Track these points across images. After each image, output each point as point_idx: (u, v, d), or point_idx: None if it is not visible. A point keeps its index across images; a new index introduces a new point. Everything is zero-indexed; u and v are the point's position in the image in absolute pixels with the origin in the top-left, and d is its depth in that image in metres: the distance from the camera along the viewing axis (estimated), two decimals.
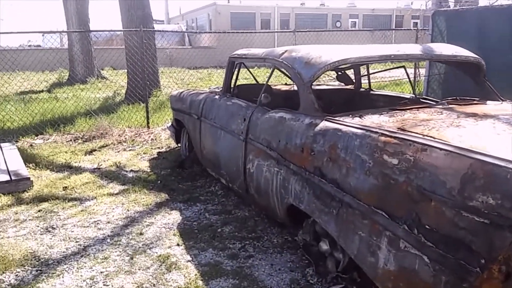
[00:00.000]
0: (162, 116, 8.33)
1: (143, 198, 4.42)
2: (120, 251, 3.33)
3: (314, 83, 3.23)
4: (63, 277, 3.00)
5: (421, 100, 3.86)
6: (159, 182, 4.92)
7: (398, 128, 2.36)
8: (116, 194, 4.58)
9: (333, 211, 2.52)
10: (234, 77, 4.43)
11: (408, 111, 2.85)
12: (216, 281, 2.91)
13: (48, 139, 7.07)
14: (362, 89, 5.01)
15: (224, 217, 3.91)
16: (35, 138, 7.13)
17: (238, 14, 27.56)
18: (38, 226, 3.83)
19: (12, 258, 3.25)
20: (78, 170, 5.42)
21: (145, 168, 5.51)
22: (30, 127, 7.39)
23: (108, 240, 3.53)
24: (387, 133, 2.31)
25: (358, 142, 2.41)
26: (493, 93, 3.47)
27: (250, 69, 5.33)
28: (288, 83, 5.51)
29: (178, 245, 3.41)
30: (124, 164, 5.64)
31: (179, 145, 5.95)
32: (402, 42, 4.79)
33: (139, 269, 3.07)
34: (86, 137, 7.03)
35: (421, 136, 2.17)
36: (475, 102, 3.17)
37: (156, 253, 3.29)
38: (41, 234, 3.67)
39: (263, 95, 3.64)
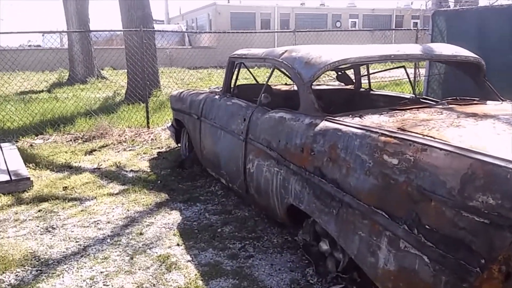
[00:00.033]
0: (162, 116, 8.33)
1: (143, 198, 4.42)
2: (120, 251, 3.33)
3: (313, 83, 3.23)
4: (63, 277, 3.00)
5: (421, 100, 3.86)
6: (159, 182, 4.92)
7: (398, 128, 2.36)
8: (116, 194, 4.58)
9: (333, 211, 2.52)
10: (234, 77, 4.43)
11: (408, 111, 2.85)
12: (216, 281, 2.91)
13: (48, 139, 7.07)
14: (362, 89, 5.01)
15: (224, 217, 3.91)
16: (35, 138, 7.13)
17: (238, 14, 27.56)
18: (38, 226, 3.83)
19: (12, 258, 3.25)
20: (78, 170, 5.42)
21: (145, 168, 5.51)
22: (30, 127, 7.39)
23: (108, 240, 3.53)
24: (387, 133, 2.31)
25: (358, 142, 2.41)
26: (493, 93, 3.47)
27: (250, 69, 5.33)
28: (288, 83, 5.51)
29: (178, 245, 3.41)
30: (124, 164, 5.64)
31: (179, 145, 5.95)
32: (402, 42, 4.80)
33: (139, 269, 3.07)
34: (86, 137, 7.03)
35: (421, 136, 2.17)
36: (475, 102, 3.17)
37: (156, 253, 3.29)
38: (41, 234, 3.67)
39: (263, 95, 3.64)
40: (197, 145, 4.87)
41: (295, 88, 3.38)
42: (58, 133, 7.34)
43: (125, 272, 3.04)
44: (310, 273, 2.94)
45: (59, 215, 4.06)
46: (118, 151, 6.35)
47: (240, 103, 3.96)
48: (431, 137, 2.13)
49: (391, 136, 2.26)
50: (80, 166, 5.61)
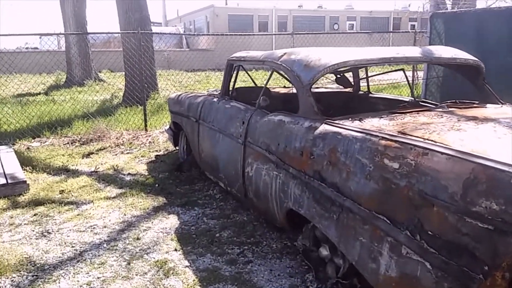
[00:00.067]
0: (160, 119, 8.29)
1: (141, 202, 4.38)
2: (117, 256, 3.29)
3: (312, 86, 3.20)
4: (59, 282, 2.95)
5: (420, 103, 3.84)
6: (156, 185, 4.88)
7: (399, 132, 2.33)
8: (113, 197, 4.54)
9: (333, 216, 2.48)
10: (233, 80, 4.40)
11: (408, 114, 2.82)
12: (215, 287, 2.87)
13: (45, 142, 7.02)
14: (360, 92, 4.98)
15: (222, 222, 3.87)
16: (32, 141, 7.08)
17: (236, 16, 27.57)
18: (33, 231, 3.78)
19: (7, 263, 3.20)
20: (75, 173, 5.38)
21: (143, 171, 5.47)
22: (27, 130, 7.34)
23: (105, 245, 3.49)
24: (387, 136, 2.27)
25: (358, 146, 2.38)
26: (493, 96, 3.44)
27: (248, 72, 5.29)
28: (286, 85, 5.48)
29: (175, 250, 3.37)
30: (122, 167, 5.60)
31: (177, 148, 5.91)
32: (399, 45, 4.78)
33: (136, 275, 3.03)
34: (83, 140, 6.99)
35: (422, 140, 2.14)
36: (475, 105, 3.15)
37: (154, 258, 3.25)
38: (36, 239, 3.63)
39: (261, 98, 3.61)
40: (195, 148, 4.83)
41: (294, 91, 3.35)
42: (55, 136, 7.29)
43: (122, 277, 3.00)
44: (310, 279, 2.91)
45: (55, 219, 4.01)
46: (116, 154, 6.31)
47: (239, 106, 3.93)
48: (432, 141, 2.11)
49: (391, 140, 2.23)
50: (77, 169, 5.57)
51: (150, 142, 6.94)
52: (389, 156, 2.16)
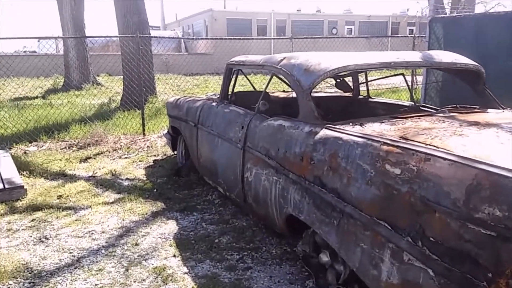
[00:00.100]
0: (158, 123, 8.27)
1: (139, 207, 4.34)
2: (115, 263, 3.25)
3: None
4: None
5: (421, 108, 3.83)
6: (155, 190, 4.85)
7: (400, 137, 2.31)
8: (111, 203, 4.51)
9: (334, 221, 2.46)
10: (232, 84, 4.38)
11: (409, 119, 2.80)
12: None
13: (42, 146, 6.98)
14: (360, 97, 4.97)
15: (221, 227, 3.84)
16: (29, 145, 7.04)
17: (235, 20, 27.59)
18: (31, 236, 3.75)
19: (4, 270, 3.16)
20: (73, 178, 5.34)
21: (141, 176, 5.44)
22: (24, 134, 7.30)
23: (103, 251, 3.45)
24: (389, 142, 2.25)
25: (360, 151, 2.35)
26: (493, 101, 3.43)
27: (247, 76, 5.28)
28: (286, 90, 5.47)
29: (174, 256, 3.34)
30: (120, 172, 5.57)
31: (175, 152, 5.88)
32: (398, 49, 4.77)
33: (134, 282, 2.99)
34: (81, 145, 6.95)
35: (424, 145, 2.12)
36: (476, 110, 3.13)
37: (152, 264, 3.22)
38: (34, 245, 3.59)
39: (261, 102, 3.59)
40: (194, 152, 4.81)
41: (294, 95, 3.34)
42: (53, 140, 7.25)
43: (120, 284, 2.96)
44: (310, 286, 2.88)
45: (53, 225, 3.97)
46: (114, 159, 6.27)
47: (238, 110, 3.91)
48: (434, 146, 2.09)
49: (393, 145, 2.21)
50: (74, 174, 5.53)
51: (148, 146, 6.91)
52: (391, 162, 2.14)
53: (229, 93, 4.38)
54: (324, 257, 2.81)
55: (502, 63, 5.74)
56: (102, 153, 6.56)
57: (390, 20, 30.57)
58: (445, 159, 1.93)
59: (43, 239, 3.69)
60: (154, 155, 6.40)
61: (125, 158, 6.32)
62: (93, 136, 7.12)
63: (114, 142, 7.03)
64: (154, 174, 5.48)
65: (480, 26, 6.26)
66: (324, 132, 2.71)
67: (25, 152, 6.60)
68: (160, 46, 15.07)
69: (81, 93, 12.75)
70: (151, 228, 3.87)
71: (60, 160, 6.15)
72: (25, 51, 23.88)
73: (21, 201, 4.55)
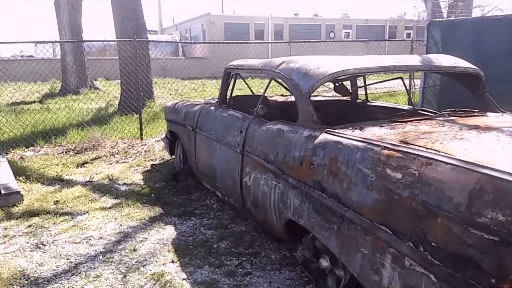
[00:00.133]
0: (155, 128, 8.24)
1: (137, 213, 4.31)
2: (113, 269, 3.22)
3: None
4: None
5: (419, 111, 3.82)
6: (153, 195, 4.81)
7: (401, 141, 2.30)
8: (109, 208, 4.47)
9: (334, 226, 2.44)
10: (230, 88, 4.36)
11: (409, 123, 2.79)
12: None
13: (39, 151, 6.94)
14: (359, 100, 4.96)
15: (220, 232, 3.81)
16: (26, 150, 6.99)
17: (232, 24, 27.65)
18: (28, 242, 3.71)
19: (0, 276, 3.12)
20: (70, 183, 5.30)
21: (139, 181, 5.40)
22: (21, 139, 7.25)
23: (100, 257, 3.41)
24: (389, 146, 2.24)
25: (360, 156, 2.34)
26: (493, 104, 3.43)
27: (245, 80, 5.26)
28: (284, 94, 5.46)
29: (172, 262, 3.31)
30: (117, 177, 5.53)
31: (173, 157, 5.85)
32: (396, 53, 4.77)
33: None
34: (78, 149, 6.91)
35: (424, 149, 2.11)
36: (475, 114, 3.12)
37: (150, 270, 3.18)
38: (31, 251, 3.55)
39: (259, 106, 3.57)
40: (192, 157, 4.78)
41: (292, 99, 3.32)
42: (50, 145, 7.21)
43: None
44: None
45: (50, 231, 3.94)
46: (111, 164, 6.24)
47: (237, 114, 3.89)
48: (435, 150, 2.07)
49: (394, 150, 2.19)
50: (71, 179, 5.49)
51: (145, 151, 6.87)
52: (392, 166, 2.12)
53: (228, 97, 4.36)
54: (324, 262, 2.79)
55: (500, 66, 5.74)
56: (99, 157, 6.52)
57: (388, 24, 30.69)
58: (447, 163, 1.92)
59: (40, 245, 3.65)
60: (152, 160, 6.36)
61: (123, 162, 6.28)
62: (90, 141, 7.08)
63: (112, 147, 6.99)
64: (151, 178, 5.44)
65: (478, 29, 6.27)
66: (323, 137, 2.69)
67: (21, 157, 6.55)
68: (158, 50, 15.06)
69: (78, 97, 12.70)
70: (149, 233, 3.84)
71: (57, 165, 6.11)
72: (22, 56, 23.84)
73: (17, 206, 4.50)
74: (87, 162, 6.26)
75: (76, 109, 9.88)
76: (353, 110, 4.74)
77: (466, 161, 1.87)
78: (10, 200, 4.55)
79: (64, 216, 4.26)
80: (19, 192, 4.66)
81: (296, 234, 3.00)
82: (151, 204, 4.53)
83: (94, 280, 3.06)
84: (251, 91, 5.39)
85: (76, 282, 3.05)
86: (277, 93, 6.87)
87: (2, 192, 4.58)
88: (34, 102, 12.33)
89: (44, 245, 3.66)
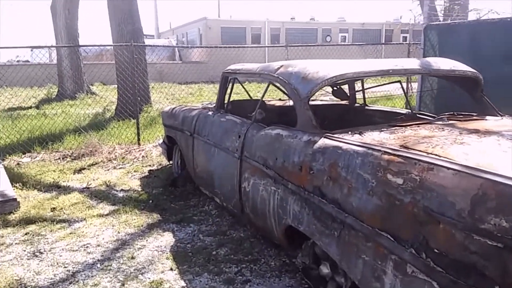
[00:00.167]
0: (153, 133, 8.20)
1: (134, 219, 4.27)
2: (111, 277, 3.18)
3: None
4: None
5: (418, 115, 3.80)
6: (150, 201, 4.77)
7: (401, 146, 2.28)
8: (106, 215, 4.43)
9: (335, 233, 2.41)
10: (228, 92, 4.34)
11: (408, 127, 2.77)
12: None
13: (36, 157, 6.89)
14: (357, 104, 4.94)
15: (219, 239, 3.78)
16: (23, 156, 6.95)
17: (229, 28, 27.66)
18: (24, 251, 3.67)
19: None
20: (67, 190, 5.26)
21: (136, 187, 5.36)
22: (17, 145, 7.21)
23: (98, 265, 3.38)
24: (390, 151, 2.22)
25: (360, 161, 2.31)
26: (491, 108, 3.41)
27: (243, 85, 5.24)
28: (282, 98, 5.44)
29: (171, 269, 3.27)
30: (114, 183, 5.49)
31: (171, 162, 5.82)
32: (392, 56, 4.77)
33: None
34: (75, 155, 6.87)
35: (425, 154, 2.09)
36: (474, 117, 3.11)
37: (149, 278, 3.15)
38: (28, 259, 3.51)
39: (258, 111, 3.55)
40: (190, 162, 4.75)
41: (290, 103, 3.30)
42: (46, 150, 7.16)
43: None
44: None
45: (47, 238, 3.89)
46: (108, 169, 6.20)
47: (235, 119, 3.86)
48: (436, 155, 2.05)
49: (394, 154, 2.17)
50: (68, 186, 5.45)
51: (143, 156, 6.84)
52: (393, 171, 2.10)
53: (225, 102, 4.34)
54: (325, 269, 2.76)
55: (496, 69, 5.74)
56: (96, 163, 6.48)
57: (384, 27, 30.76)
58: (448, 168, 1.89)
59: (37, 253, 3.61)
60: (149, 165, 6.33)
61: (120, 168, 6.24)
62: (87, 147, 7.04)
63: (109, 152, 6.96)
64: (149, 184, 5.41)
65: (475, 33, 6.28)
66: (323, 141, 2.66)
67: (18, 164, 6.51)
68: (155, 55, 15.03)
69: (75, 102, 12.65)
70: (147, 240, 3.80)
71: (54, 171, 6.06)
72: (18, 61, 23.77)
73: (14, 214, 4.46)
74: (84, 168, 6.22)
75: (73, 114, 9.83)
76: (351, 114, 4.73)
77: (468, 166, 1.85)
78: (6, 207, 4.51)
79: (61, 223, 4.22)
80: (15, 199, 4.62)
81: (295, 241, 2.96)
82: (149, 211, 4.49)
83: None
84: (249, 95, 5.37)
85: None
86: (275, 97, 6.86)
87: None
88: (30, 107, 12.27)
89: (41, 253, 3.62)
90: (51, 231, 4.05)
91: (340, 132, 2.73)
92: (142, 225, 4.13)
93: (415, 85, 8.36)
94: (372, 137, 2.57)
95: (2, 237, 3.94)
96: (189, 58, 25.78)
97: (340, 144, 2.52)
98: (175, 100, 12.74)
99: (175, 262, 3.38)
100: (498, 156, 2.07)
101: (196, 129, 4.50)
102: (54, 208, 4.61)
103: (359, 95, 4.98)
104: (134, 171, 6.05)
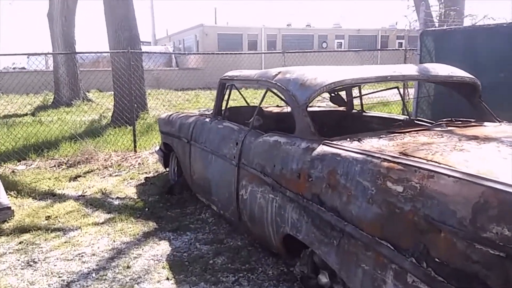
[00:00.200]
0: (149, 140, 8.16)
1: (130, 228, 4.22)
2: (106, 287, 3.13)
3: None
4: None
5: (416, 121, 3.79)
6: (146, 209, 4.72)
7: (400, 153, 2.25)
8: (102, 223, 4.38)
9: (334, 241, 2.38)
10: (225, 99, 4.31)
11: (407, 134, 2.75)
12: None
13: (31, 164, 6.83)
14: (354, 111, 4.93)
15: (216, 247, 3.73)
16: (18, 164, 6.89)
17: (225, 35, 27.73)
18: (18, 260, 3.61)
19: None
20: (62, 198, 5.20)
21: (132, 194, 5.31)
22: (12, 152, 7.14)
23: (93, 275, 3.32)
24: (389, 158, 2.19)
25: (359, 168, 2.28)
26: (489, 114, 3.40)
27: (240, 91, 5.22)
28: (279, 104, 5.42)
29: (167, 279, 3.22)
30: (110, 191, 5.44)
31: (167, 169, 5.78)
32: (388, 63, 4.76)
33: None
34: (70, 162, 6.81)
35: (425, 161, 2.06)
36: (473, 124, 3.09)
37: None
38: (21, 269, 3.46)
39: (255, 117, 3.52)
40: (186, 170, 4.71)
41: (287, 110, 3.28)
42: (42, 158, 7.11)
43: None
44: None
45: (41, 248, 3.84)
46: (104, 177, 6.14)
47: (232, 126, 3.83)
48: (435, 162, 2.02)
49: (394, 162, 2.14)
50: (64, 194, 5.39)
51: (139, 163, 6.79)
52: (392, 179, 2.07)
53: (223, 108, 4.31)
54: (323, 278, 2.72)
55: (492, 75, 5.74)
56: (92, 171, 6.43)
57: (380, 33, 30.89)
58: (449, 176, 1.87)
59: (31, 263, 3.55)
60: (146, 173, 6.28)
61: (116, 176, 6.19)
62: (83, 154, 6.99)
63: (105, 160, 6.90)
64: (145, 192, 5.36)
65: (471, 38, 6.29)
66: (321, 148, 2.64)
67: (13, 171, 6.44)
68: (151, 62, 15.01)
69: (71, 109, 12.61)
70: (143, 249, 3.75)
71: (49, 179, 6.00)
72: (14, 68, 23.72)
73: (8, 222, 4.40)
74: (79, 176, 6.17)
75: (69, 121, 9.78)
76: (348, 121, 4.71)
77: (469, 174, 1.83)
78: (0, 216, 4.45)
79: (56, 232, 4.17)
80: (9, 207, 4.56)
81: (294, 249, 2.93)
82: (145, 219, 4.45)
83: None
84: (246, 102, 5.35)
85: None
86: (272, 104, 6.84)
87: None
88: (26, 114, 12.21)
89: (35, 262, 3.56)
90: (45, 240, 4.00)
91: (338, 139, 2.70)
92: (138, 234, 4.08)
93: (411, 91, 8.36)
94: (371, 144, 2.55)
95: None
96: (186, 65, 25.79)
97: (339, 151, 2.49)
98: (172, 106, 12.71)
99: (172, 272, 3.33)
100: (498, 163, 2.04)
101: (193, 136, 4.46)
102: (49, 216, 4.56)
103: (356, 101, 4.97)
104: (130, 179, 6.00)
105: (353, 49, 21.28)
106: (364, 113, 4.75)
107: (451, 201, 1.80)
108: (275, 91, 3.60)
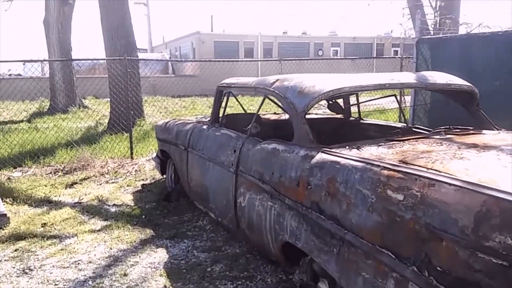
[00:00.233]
0: (146, 146, 8.13)
1: (127, 235, 4.19)
2: None
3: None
4: None
5: (414, 129, 3.79)
6: (143, 216, 4.70)
7: (400, 161, 2.25)
8: (98, 230, 4.34)
9: (334, 249, 2.36)
10: (223, 106, 4.30)
11: (406, 142, 2.75)
12: None
13: (27, 171, 6.79)
14: (352, 118, 4.93)
15: (213, 255, 3.71)
16: (14, 170, 6.84)
17: (222, 43, 27.80)
18: (14, 268, 3.57)
19: None
20: (58, 205, 5.16)
21: (129, 201, 5.28)
22: (8, 159, 7.10)
23: (90, 283, 3.29)
24: (389, 166, 2.18)
25: (359, 176, 2.28)
26: (487, 122, 3.41)
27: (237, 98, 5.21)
28: (277, 112, 5.42)
29: (165, 287, 3.20)
30: (107, 198, 5.41)
31: (164, 176, 5.75)
32: (384, 70, 4.78)
33: None
34: (66, 169, 6.77)
35: (425, 169, 2.06)
36: (471, 132, 3.10)
37: None
38: (17, 277, 3.42)
39: (253, 125, 3.52)
40: (184, 177, 4.69)
41: (285, 117, 3.27)
42: (38, 165, 7.06)
43: None
44: None
45: (37, 255, 3.80)
46: (100, 184, 6.11)
47: (230, 133, 3.83)
48: (436, 170, 2.02)
49: (394, 170, 2.14)
50: (60, 201, 5.35)
51: (136, 170, 6.76)
52: (393, 187, 2.06)
53: (220, 115, 4.30)
54: (323, 286, 2.70)
55: (488, 83, 5.78)
56: (88, 178, 6.39)
57: (375, 41, 31.08)
58: (450, 184, 1.86)
59: (27, 271, 3.51)
60: (143, 179, 6.25)
61: (113, 183, 6.16)
62: (79, 161, 6.95)
63: (101, 167, 6.87)
64: (142, 199, 5.33)
65: (467, 46, 6.34)
66: (320, 156, 2.63)
67: (9, 178, 6.40)
68: (148, 69, 15.02)
69: (67, 116, 12.56)
70: (140, 257, 3.72)
71: (45, 185, 5.96)
72: (10, 74, 23.63)
73: (3, 230, 4.36)
74: (76, 183, 6.13)
75: (65, 128, 9.74)
76: (346, 128, 4.71)
77: (470, 182, 1.82)
78: None
79: (52, 239, 4.13)
80: (5, 214, 4.53)
81: (293, 257, 2.91)
82: (142, 226, 4.42)
83: None
84: (243, 109, 5.35)
85: None
86: (269, 111, 6.85)
87: None
88: (22, 121, 12.16)
89: (31, 270, 3.52)
90: (41, 247, 3.96)
91: (337, 147, 2.70)
92: (135, 241, 4.04)
93: (408, 99, 8.40)
94: (370, 152, 2.54)
95: None
96: (183, 72, 25.83)
97: (338, 159, 2.49)
98: (169, 113, 12.69)
99: (169, 279, 3.30)
100: (499, 172, 2.04)
101: (190, 143, 4.45)
102: (45, 223, 4.52)
103: (353, 109, 4.97)
104: (127, 186, 5.97)
105: (349, 57, 21.39)
106: (361, 121, 4.76)
107: (452, 209, 1.79)
108: (273, 98, 3.60)
